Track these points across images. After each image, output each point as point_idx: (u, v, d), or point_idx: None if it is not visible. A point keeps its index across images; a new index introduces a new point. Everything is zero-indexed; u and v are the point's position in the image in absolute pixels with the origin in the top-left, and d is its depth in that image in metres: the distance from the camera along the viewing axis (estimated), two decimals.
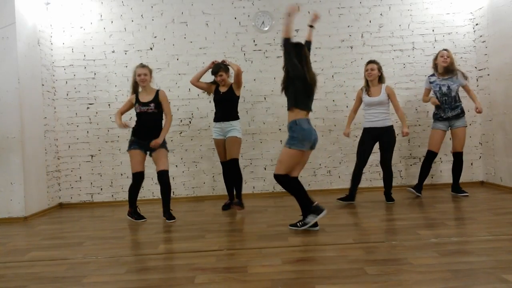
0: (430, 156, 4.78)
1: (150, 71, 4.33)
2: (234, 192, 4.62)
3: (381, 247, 2.97)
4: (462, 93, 5.67)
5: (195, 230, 3.81)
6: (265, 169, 5.53)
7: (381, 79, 4.60)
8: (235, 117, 4.60)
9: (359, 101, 4.71)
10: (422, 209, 4.21)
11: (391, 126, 4.58)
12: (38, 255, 3.24)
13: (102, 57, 5.50)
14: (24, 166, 4.66)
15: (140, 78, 4.23)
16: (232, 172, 4.53)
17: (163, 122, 4.33)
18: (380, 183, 5.49)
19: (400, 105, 5.51)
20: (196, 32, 5.52)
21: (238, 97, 4.61)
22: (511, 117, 4.91)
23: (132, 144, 4.27)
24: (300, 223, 3.60)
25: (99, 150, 5.49)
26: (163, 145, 4.29)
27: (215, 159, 5.51)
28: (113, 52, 5.50)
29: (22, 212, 4.62)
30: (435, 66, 4.78)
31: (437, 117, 4.79)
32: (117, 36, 5.51)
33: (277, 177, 3.54)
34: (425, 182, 5.42)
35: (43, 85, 5.19)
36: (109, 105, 5.49)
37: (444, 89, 4.67)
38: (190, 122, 5.48)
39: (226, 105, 4.54)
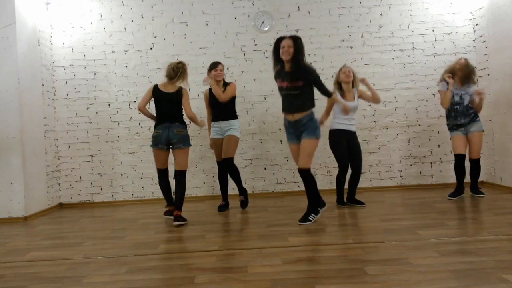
0: (459, 159, 4.62)
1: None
2: (238, 187, 4.69)
3: (381, 247, 2.97)
4: None
5: (195, 230, 3.81)
6: (265, 169, 5.53)
7: (354, 83, 4.50)
8: (234, 116, 4.62)
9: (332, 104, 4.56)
10: (422, 209, 4.21)
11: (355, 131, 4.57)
12: (38, 255, 3.24)
13: (102, 57, 5.50)
14: (24, 166, 4.66)
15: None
16: (229, 171, 4.56)
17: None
18: (380, 183, 5.52)
19: (400, 105, 5.57)
20: (196, 32, 5.52)
21: (234, 97, 4.62)
22: (511, 117, 4.91)
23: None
24: (312, 216, 3.78)
25: (99, 150, 5.49)
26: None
27: (215, 159, 5.49)
28: (113, 52, 5.51)
29: (22, 212, 4.62)
30: (452, 74, 4.64)
31: (451, 126, 4.69)
32: (117, 36, 5.51)
33: (306, 172, 3.72)
34: (425, 182, 5.44)
35: (43, 85, 5.19)
36: (109, 105, 5.50)
37: (457, 98, 4.59)
38: (190, 122, 5.48)
39: (223, 105, 4.53)
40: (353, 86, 4.51)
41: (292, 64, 3.67)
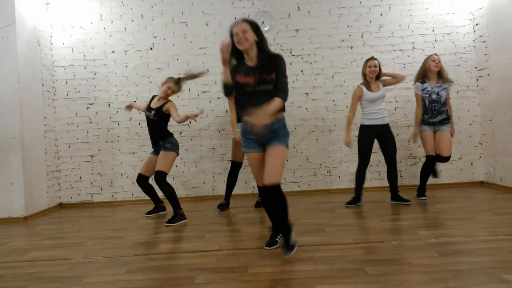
0: (431, 160, 4.61)
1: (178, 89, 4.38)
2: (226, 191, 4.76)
3: (381, 247, 2.97)
4: (460, 94, 5.69)
5: (195, 230, 3.81)
6: None
7: (379, 76, 4.52)
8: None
9: (358, 99, 4.52)
10: (422, 209, 4.21)
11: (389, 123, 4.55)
12: (38, 255, 3.24)
13: (102, 57, 5.50)
14: (24, 166, 4.66)
15: (168, 93, 4.28)
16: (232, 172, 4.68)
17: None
18: (380, 183, 5.52)
19: (400, 105, 5.57)
20: (196, 32, 5.52)
21: None
22: (511, 117, 4.91)
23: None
24: (287, 246, 2.84)
25: (99, 150, 5.49)
26: (163, 148, 4.22)
27: (215, 159, 5.51)
28: (113, 52, 5.51)
29: (22, 212, 4.62)
30: (424, 72, 4.56)
31: (423, 121, 4.59)
32: (117, 36, 5.51)
33: (278, 188, 2.79)
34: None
35: (43, 85, 5.19)
36: (109, 105, 5.50)
37: (434, 96, 4.51)
38: (190, 122, 5.48)
39: None
40: (377, 79, 4.51)
41: (258, 53, 2.88)
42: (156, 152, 4.37)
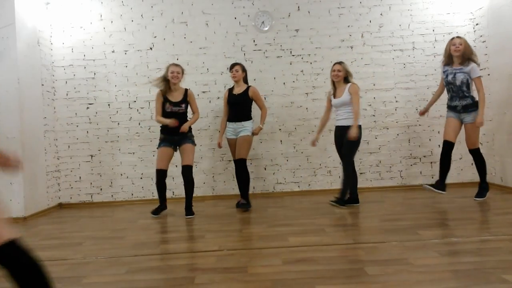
0: (445, 147, 4.35)
1: (183, 70, 4.54)
2: (240, 191, 4.68)
3: (381, 247, 2.97)
4: None
5: (195, 230, 3.81)
6: (265, 169, 5.53)
7: (346, 79, 4.48)
8: (248, 117, 4.72)
9: (328, 103, 4.67)
10: (422, 209, 4.21)
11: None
12: (38, 255, 3.23)
13: (102, 57, 5.49)
14: (24, 166, 4.65)
15: (173, 75, 4.41)
16: (238, 172, 4.62)
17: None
18: (380, 183, 5.52)
19: (400, 105, 5.56)
20: (196, 32, 5.51)
21: (252, 99, 4.71)
22: (511, 117, 4.91)
23: (162, 142, 4.47)
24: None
25: (99, 150, 5.49)
26: (191, 139, 4.48)
27: (215, 159, 5.51)
28: (113, 52, 5.50)
29: (22, 212, 4.62)
30: (449, 56, 4.39)
31: (447, 105, 4.51)
32: (117, 36, 5.50)
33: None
34: (426, 182, 5.42)
35: (43, 85, 5.19)
36: (109, 105, 5.49)
37: (450, 77, 4.37)
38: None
39: (238, 107, 4.69)
40: (344, 82, 4.47)
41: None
42: (172, 144, 4.43)
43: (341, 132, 4.46)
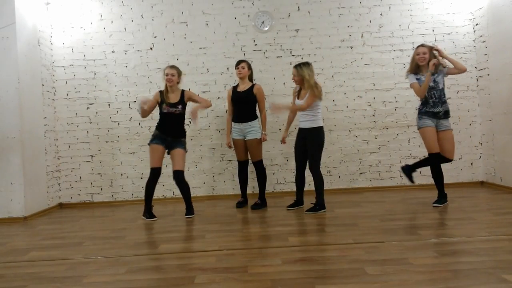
0: (437, 159, 4.24)
1: (179, 72, 4.49)
2: (259, 191, 4.77)
3: (381, 247, 2.97)
4: (460, 94, 5.69)
5: (195, 230, 3.81)
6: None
7: (303, 84, 4.34)
8: (253, 117, 4.67)
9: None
10: (422, 209, 4.21)
11: (317, 128, 4.29)
12: (38, 255, 3.24)
13: (102, 57, 5.50)
14: (24, 166, 4.65)
15: (168, 78, 4.37)
16: (257, 173, 4.69)
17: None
18: (380, 183, 5.52)
19: (400, 105, 5.56)
20: (196, 32, 5.52)
21: (255, 97, 4.64)
22: (511, 117, 4.91)
23: (155, 139, 4.40)
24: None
25: (99, 150, 5.49)
26: (182, 145, 4.40)
27: (215, 159, 5.51)
28: (113, 52, 5.50)
29: (22, 212, 4.62)
30: (415, 66, 4.25)
31: (424, 112, 4.25)
32: (117, 36, 5.51)
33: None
34: (425, 182, 5.43)
35: (43, 85, 5.19)
36: (109, 105, 5.49)
37: (431, 83, 4.20)
38: (190, 122, 5.47)
39: (243, 105, 4.63)
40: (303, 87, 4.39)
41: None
42: (164, 143, 4.35)
43: (303, 135, 4.38)
